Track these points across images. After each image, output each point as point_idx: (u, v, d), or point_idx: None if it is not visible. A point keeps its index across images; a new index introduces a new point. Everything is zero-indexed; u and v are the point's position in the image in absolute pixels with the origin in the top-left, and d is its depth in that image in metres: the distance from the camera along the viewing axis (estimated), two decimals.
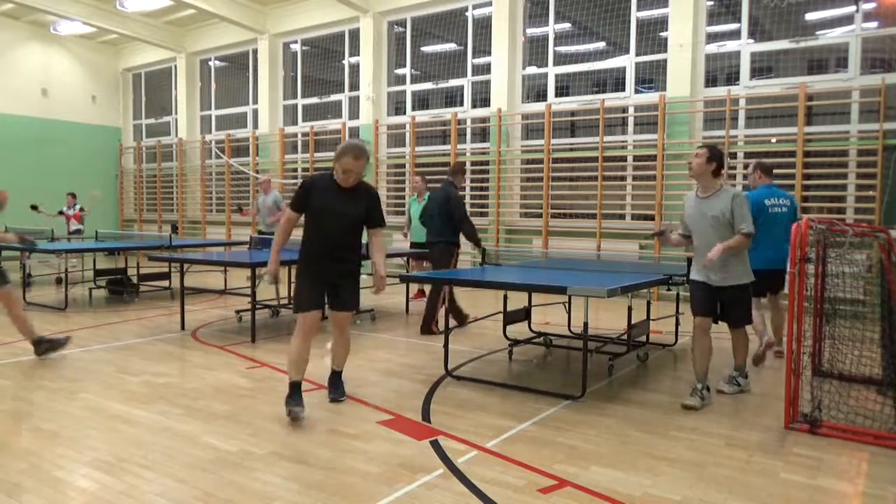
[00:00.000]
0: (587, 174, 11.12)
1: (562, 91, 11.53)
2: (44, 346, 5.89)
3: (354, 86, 14.03)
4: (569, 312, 6.67)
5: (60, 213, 13.80)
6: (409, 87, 13.37)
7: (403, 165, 13.28)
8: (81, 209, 13.52)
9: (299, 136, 14.79)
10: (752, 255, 5.41)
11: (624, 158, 10.81)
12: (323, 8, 13.80)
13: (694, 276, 4.86)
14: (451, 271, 6.80)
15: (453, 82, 12.76)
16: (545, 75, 11.63)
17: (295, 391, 4.25)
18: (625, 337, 5.91)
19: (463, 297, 9.47)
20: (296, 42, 15.16)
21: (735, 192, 4.68)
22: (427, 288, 9.69)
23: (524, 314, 6.56)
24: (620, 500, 3.09)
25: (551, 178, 11.19)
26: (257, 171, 15.13)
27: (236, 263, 7.92)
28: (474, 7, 12.40)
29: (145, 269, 9.64)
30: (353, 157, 4.22)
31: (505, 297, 6.47)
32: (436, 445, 3.77)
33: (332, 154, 15.68)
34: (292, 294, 4.02)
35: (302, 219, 4.45)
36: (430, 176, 10.27)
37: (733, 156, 9.73)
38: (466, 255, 12.15)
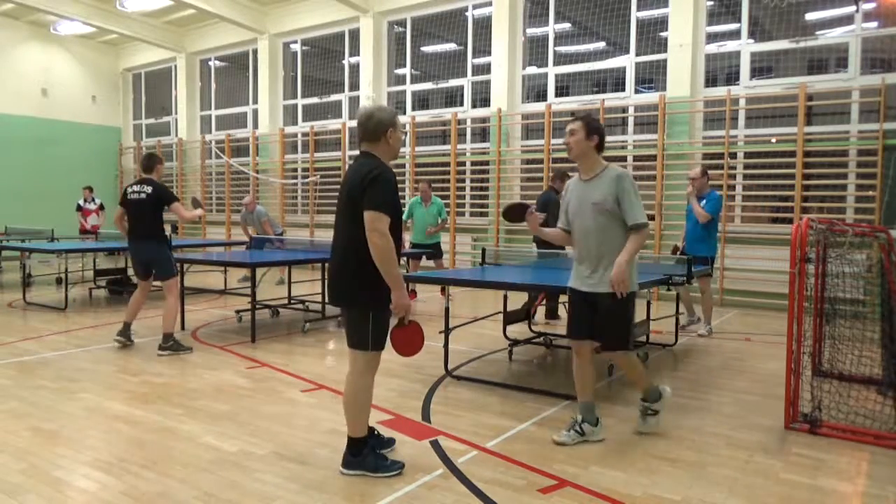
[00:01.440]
0: None
1: (562, 91, 11.53)
2: (170, 343, 6.12)
3: (354, 86, 14.03)
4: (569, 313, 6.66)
5: (79, 207, 13.58)
6: (409, 87, 13.37)
7: (403, 165, 13.27)
8: (99, 205, 13.51)
9: (299, 136, 14.79)
10: (710, 244, 7.02)
11: (624, 158, 10.81)
12: (323, 8, 13.80)
13: (570, 281, 3.92)
14: (452, 271, 6.80)
15: (453, 82, 12.76)
16: (545, 75, 11.63)
17: (378, 442, 3.56)
18: None
19: (463, 296, 9.48)
20: (296, 42, 15.16)
21: (620, 172, 3.72)
22: (418, 287, 9.75)
23: (524, 314, 6.56)
24: (620, 500, 3.10)
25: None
26: (257, 171, 15.14)
27: (236, 263, 7.93)
28: (474, 7, 12.40)
29: None
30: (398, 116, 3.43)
31: (505, 297, 6.47)
32: (436, 445, 3.77)
33: (332, 154, 15.59)
34: (371, 328, 3.31)
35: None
36: (435, 178, 10.32)
37: (733, 156, 9.73)
38: (466, 255, 12.18)
